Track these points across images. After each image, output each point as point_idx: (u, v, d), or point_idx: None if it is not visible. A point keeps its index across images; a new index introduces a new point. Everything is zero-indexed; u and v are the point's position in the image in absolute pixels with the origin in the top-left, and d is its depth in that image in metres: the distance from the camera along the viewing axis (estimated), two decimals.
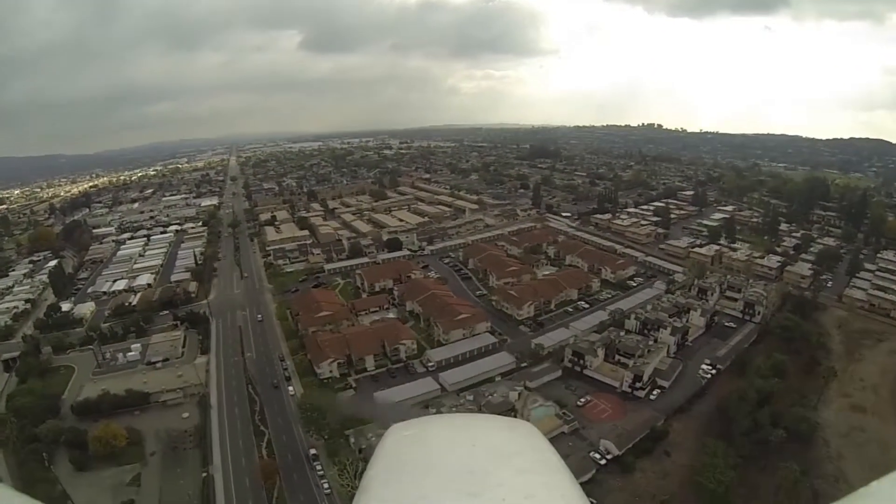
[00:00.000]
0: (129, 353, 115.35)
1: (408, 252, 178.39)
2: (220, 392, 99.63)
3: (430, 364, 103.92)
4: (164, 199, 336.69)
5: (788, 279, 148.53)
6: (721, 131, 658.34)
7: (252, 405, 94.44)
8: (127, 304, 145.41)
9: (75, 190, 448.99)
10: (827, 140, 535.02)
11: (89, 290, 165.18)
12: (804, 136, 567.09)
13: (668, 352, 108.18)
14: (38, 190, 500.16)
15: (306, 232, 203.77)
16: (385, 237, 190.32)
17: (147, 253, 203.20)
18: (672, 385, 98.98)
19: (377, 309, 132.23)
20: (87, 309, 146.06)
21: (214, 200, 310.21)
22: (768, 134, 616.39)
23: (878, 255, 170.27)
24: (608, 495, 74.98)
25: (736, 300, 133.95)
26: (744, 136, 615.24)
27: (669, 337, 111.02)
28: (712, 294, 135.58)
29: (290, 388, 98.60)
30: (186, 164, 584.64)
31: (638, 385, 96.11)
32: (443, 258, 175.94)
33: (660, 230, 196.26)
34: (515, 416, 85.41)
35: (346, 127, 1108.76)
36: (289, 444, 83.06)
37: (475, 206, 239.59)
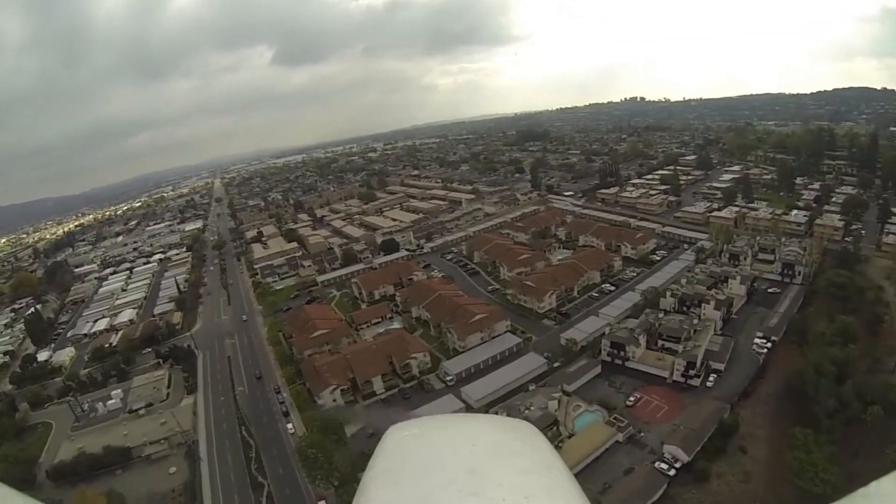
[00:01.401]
0: (110, 402, 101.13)
1: (406, 252, 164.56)
2: (209, 438, 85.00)
3: (448, 378, 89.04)
4: (147, 228, 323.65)
5: (820, 233, 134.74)
6: (705, 97, 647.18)
7: (247, 451, 79.66)
8: (107, 345, 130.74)
9: (61, 231, 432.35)
10: (812, 94, 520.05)
11: (69, 335, 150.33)
12: (788, 93, 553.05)
13: (715, 329, 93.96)
14: (24, 236, 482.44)
15: (295, 244, 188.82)
16: (379, 239, 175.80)
17: (130, 287, 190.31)
18: (728, 367, 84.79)
19: (380, 320, 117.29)
20: (66, 355, 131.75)
21: (199, 224, 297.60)
22: (752, 94, 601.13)
23: None
24: None
25: (771, 262, 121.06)
26: (728, 99, 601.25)
27: (714, 312, 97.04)
28: (745, 259, 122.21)
29: (290, 425, 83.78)
30: (171, 192, 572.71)
31: (691, 372, 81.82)
32: (444, 255, 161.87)
33: (671, 198, 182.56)
34: (558, 429, 71.23)
35: (328, 137, 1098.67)
36: (293, 497, 68.29)
37: (471, 196, 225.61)
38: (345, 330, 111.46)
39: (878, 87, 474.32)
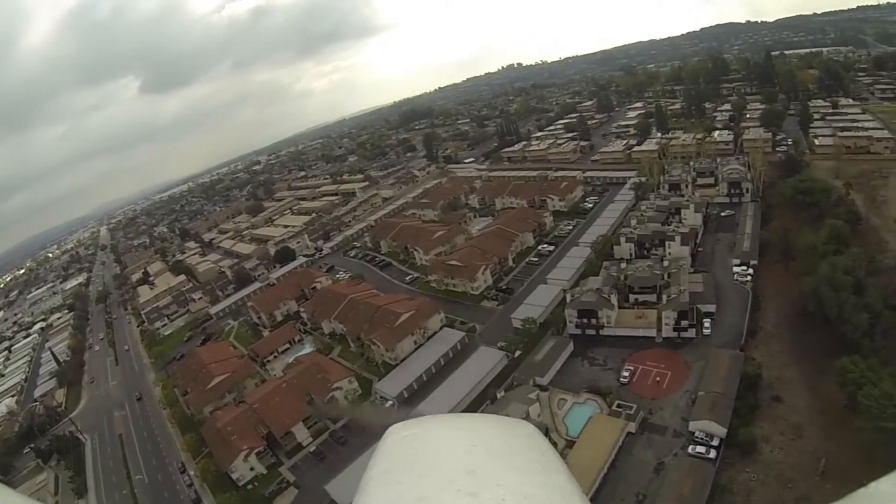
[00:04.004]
0: None
1: (304, 259, 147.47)
2: None
3: (387, 404, 70.35)
4: (29, 296, 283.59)
5: (750, 146, 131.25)
6: (581, 54, 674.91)
7: None
8: None
9: None
10: (683, 35, 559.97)
11: None
12: (660, 38, 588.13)
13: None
14: None
15: (183, 277, 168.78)
16: (273, 250, 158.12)
17: (9, 369, 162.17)
18: (718, 307, 72.87)
19: (287, 345, 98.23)
20: None
21: (82, 278, 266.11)
22: (627, 44, 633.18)
23: (809, 104, 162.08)
24: (754, 496, 47.24)
25: (714, 185, 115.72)
26: (604, 51, 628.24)
27: (682, 248, 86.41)
28: (686, 187, 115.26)
29: None
30: (56, 251, 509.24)
31: (684, 323, 68.77)
32: (347, 252, 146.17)
33: (583, 143, 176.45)
34: (549, 435, 54.62)
35: (213, 161, 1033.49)
36: None
37: (364, 184, 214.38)
38: (247, 369, 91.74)
39: (743, 21, 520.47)
